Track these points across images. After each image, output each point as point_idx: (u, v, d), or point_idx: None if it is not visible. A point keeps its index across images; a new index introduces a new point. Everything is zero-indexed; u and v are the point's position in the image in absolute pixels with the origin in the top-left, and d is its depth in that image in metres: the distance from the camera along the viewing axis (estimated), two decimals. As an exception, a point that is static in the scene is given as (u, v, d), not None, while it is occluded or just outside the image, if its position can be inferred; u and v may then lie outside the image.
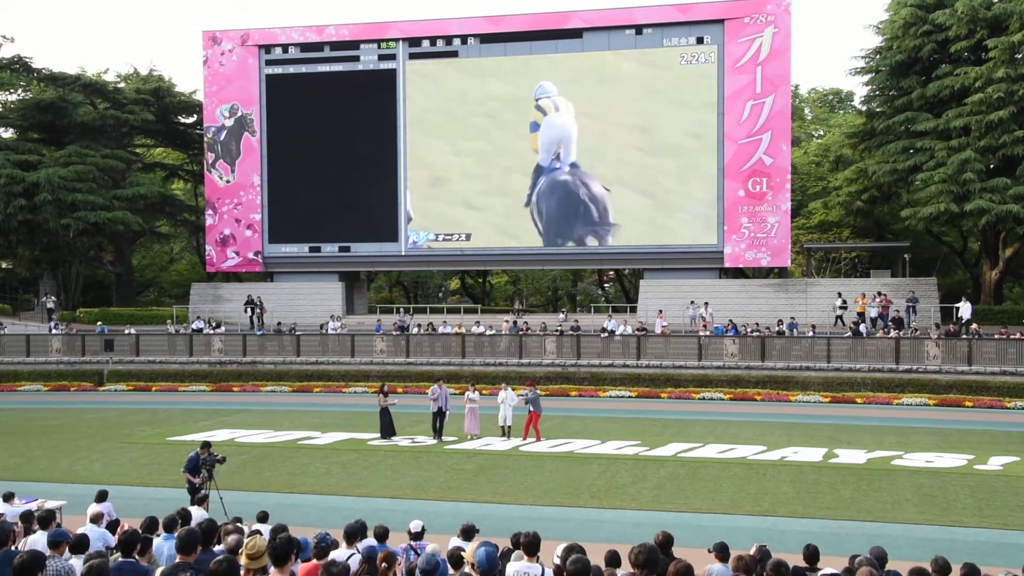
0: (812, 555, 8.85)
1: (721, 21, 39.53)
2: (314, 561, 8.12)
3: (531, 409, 23.44)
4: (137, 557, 7.87)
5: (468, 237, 42.60)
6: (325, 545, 8.10)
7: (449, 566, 8.12)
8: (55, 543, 8.22)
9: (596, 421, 26.66)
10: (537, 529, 8.20)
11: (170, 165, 58.97)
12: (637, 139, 40.58)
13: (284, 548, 6.70)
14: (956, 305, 35.49)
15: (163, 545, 9.23)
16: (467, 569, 7.63)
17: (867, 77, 43.44)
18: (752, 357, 33.49)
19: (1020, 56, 36.51)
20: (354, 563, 8.41)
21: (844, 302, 37.02)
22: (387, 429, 23.85)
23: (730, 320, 36.25)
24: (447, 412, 23.95)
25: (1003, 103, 35.64)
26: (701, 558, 8.66)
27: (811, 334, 34.38)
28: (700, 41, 39.93)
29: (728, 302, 39.43)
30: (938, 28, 38.08)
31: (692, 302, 38.09)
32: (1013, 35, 35.14)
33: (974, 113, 36.34)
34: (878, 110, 43.34)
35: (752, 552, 8.76)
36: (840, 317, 36.74)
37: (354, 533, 9.16)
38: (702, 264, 40.66)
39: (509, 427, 23.73)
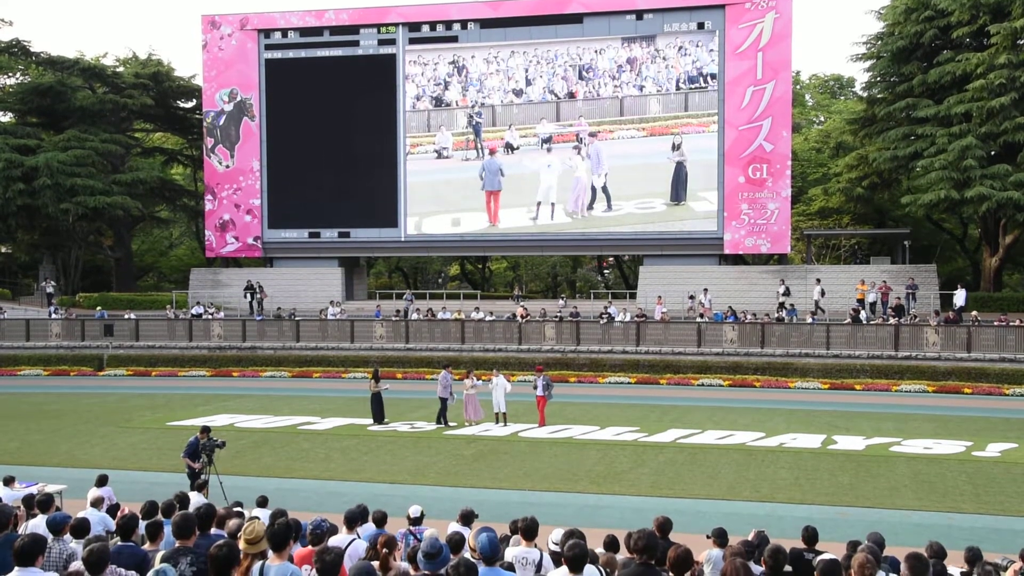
0: (811, 536, 8.87)
1: (722, 6, 39.34)
2: (311, 547, 8.12)
3: (541, 393, 23.53)
4: (149, 543, 7.88)
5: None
6: (321, 532, 8.10)
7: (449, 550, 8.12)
8: (56, 527, 8.24)
9: (595, 407, 26.68)
10: (536, 514, 8.23)
11: (169, 150, 58.81)
12: (636, 126, 40.48)
13: (282, 533, 6.71)
14: (954, 292, 35.49)
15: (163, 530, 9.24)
16: (467, 554, 7.64)
17: (868, 63, 43.28)
18: (751, 344, 33.49)
19: (1022, 42, 36.33)
20: (354, 548, 8.42)
21: (787, 289, 36.87)
22: (378, 414, 23.91)
23: (729, 307, 36.24)
24: (451, 399, 23.99)
25: (1004, 89, 35.50)
26: (700, 543, 8.68)
27: (810, 321, 34.40)
28: (701, 27, 39.75)
29: (727, 288, 39.41)
30: (940, 14, 37.89)
31: (691, 296, 37.95)
32: (1015, 21, 34.93)
33: (975, 99, 36.20)
34: (879, 96, 43.19)
35: (751, 538, 8.78)
36: (782, 304, 36.29)
37: (354, 518, 9.16)
38: (702, 250, 40.63)
39: (504, 414, 23.74)
